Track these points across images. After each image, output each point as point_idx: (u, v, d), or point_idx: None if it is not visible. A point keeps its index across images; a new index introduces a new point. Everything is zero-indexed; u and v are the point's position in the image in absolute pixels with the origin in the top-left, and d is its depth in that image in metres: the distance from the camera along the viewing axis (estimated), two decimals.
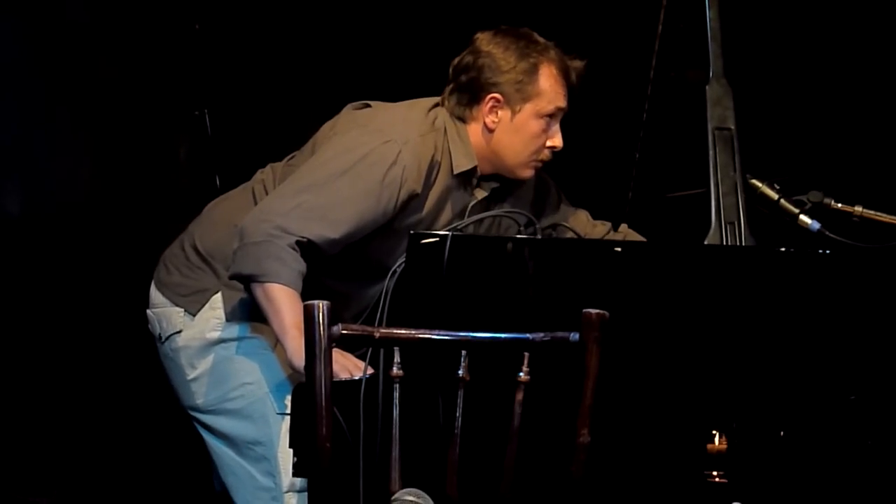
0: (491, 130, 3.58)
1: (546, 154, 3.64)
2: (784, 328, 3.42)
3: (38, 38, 4.68)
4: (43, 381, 4.54)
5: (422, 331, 2.93)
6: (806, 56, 4.22)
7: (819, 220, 3.77)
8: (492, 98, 3.54)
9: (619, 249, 3.46)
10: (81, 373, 4.58)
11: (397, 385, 2.87)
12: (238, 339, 3.64)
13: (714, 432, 3.37)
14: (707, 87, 3.72)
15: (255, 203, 3.60)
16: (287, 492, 3.52)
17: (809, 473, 3.48)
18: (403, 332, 2.92)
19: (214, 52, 4.93)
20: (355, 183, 3.47)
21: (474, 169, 3.62)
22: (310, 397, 2.87)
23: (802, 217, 3.77)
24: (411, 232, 3.31)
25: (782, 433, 3.42)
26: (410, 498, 2.57)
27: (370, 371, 3.09)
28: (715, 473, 3.34)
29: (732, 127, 3.68)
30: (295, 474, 3.32)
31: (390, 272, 3.30)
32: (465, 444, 2.91)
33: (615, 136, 4.23)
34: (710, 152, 3.67)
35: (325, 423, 2.84)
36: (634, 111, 3.90)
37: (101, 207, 4.71)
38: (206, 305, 3.63)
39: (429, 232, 3.35)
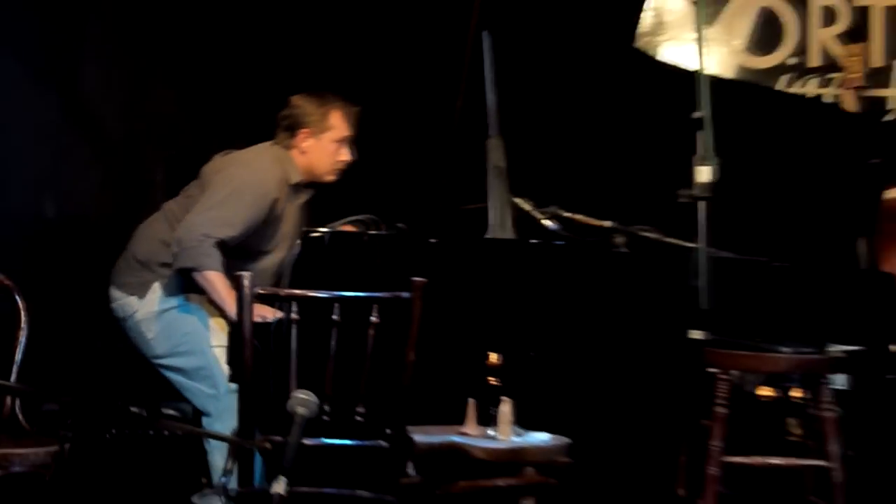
0: (305, 153, 3.89)
1: (341, 165, 3.92)
2: (531, 291, 3.51)
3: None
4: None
5: (310, 291, 3.08)
6: (551, 115, 4.04)
7: (556, 224, 3.81)
8: (303, 132, 3.87)
9: (433, 241, 3.52)
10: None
11: (295, 325, 3.02)
12: (175, 306, 3.84)
13: (493, 353, 3.44)
14: (488, 141, 3.73)
15: (170, 224, 3.85)
16: (225, 394, 3.70)
17: (550, 380, 3.58)
18: (298, 291, 3.09)
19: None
20: (244, 199, 3.75)
21: (299, 183, 3.92)
22: (239, 333, 3.10)
23: (545, 221, 3.81)
24: (303, 229, 3.52)
25: (532, 354, 3.51)
26: (301, 395, 2.44)
27: (278, 315, 3.20)
28: (493, 379, 3.39)
29: (503, 165, 3.72)
30: (230, 381, 3.52)
31: (292, 254, 3.48)
32: (338, 362, 3.01)
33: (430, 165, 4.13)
34: (490, 181, 3.71)
35: (248, 348, 3.06)
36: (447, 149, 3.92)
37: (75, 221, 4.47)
38: (149, 291, 3.84)
39: (315, 229, 3.51)
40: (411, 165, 4.31)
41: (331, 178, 3.95)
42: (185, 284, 3.82)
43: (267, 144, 3.96)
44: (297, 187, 3.92)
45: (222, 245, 3.69)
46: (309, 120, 3.88)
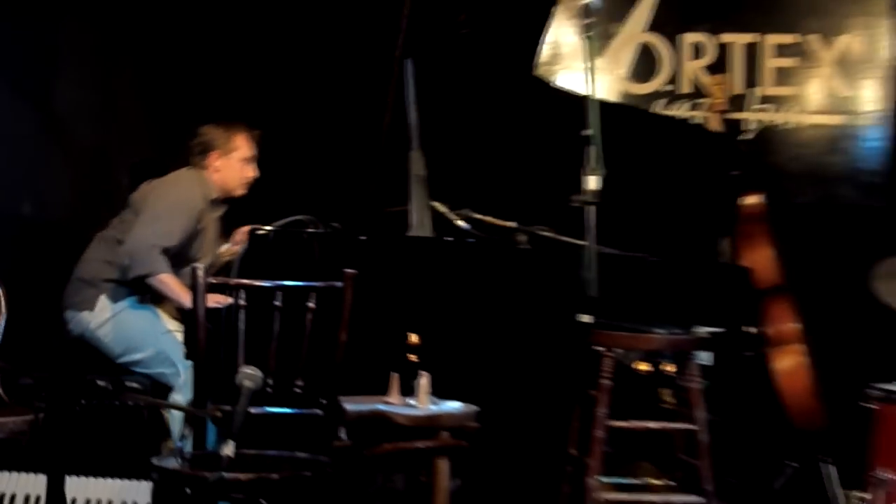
0: (217, 171, 4.01)
1: (248, 180, 4.03)
2: (447, 281, 3.54)
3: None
4: None
5: (256, 280, 3.09)
6: (465, 131, 3.99)
7: (468, 224, 3.84)
8: (213, 154, 3.99)
9: (363, 238, 3.51)
10: None
11: (242, 311, 3.04)
12: (124, 308, 3.89)
13: (412, 334, 3.43)
14: (410, 153, 3.74)
15: (108, 247, 3.91)
16: (184, 370, 3.72)
17: (462, 357, 3.55)
18: (246, 281, 3.10)
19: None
20: (179, 213, 3.86)
21: (216, 199, 4.02)
22: (194, 317, 3.12)
23: (458, 222, 3.84)
24: (251, 227, 3.53)
25: (446, 335, 3.48)
26: (248, 370, 2.48)
27: (228, 301, 3.20)
28: (412, 356, 3.38)
29: (423, 174, 3.73)
30: (186, 358, 3.50)
31: (240, 250, 3.51)
32: (280, 342, 3.03)
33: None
34: (412, 187, 3.72)
35: (202, 330, 3.10)
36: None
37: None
38: (98, 302, 3.88)
39: (261, 226, 3.50)
40: (345, 174, 4.30)
41: (241, 191, 4.06)
42: (130, 290, 3.88)
43: (184, 169, 4.05)
44: (215, 202, 4.01)
45: (166, 252, 3.77)
46: (217, 143, 3.99)
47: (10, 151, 4.23)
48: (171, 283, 3.75)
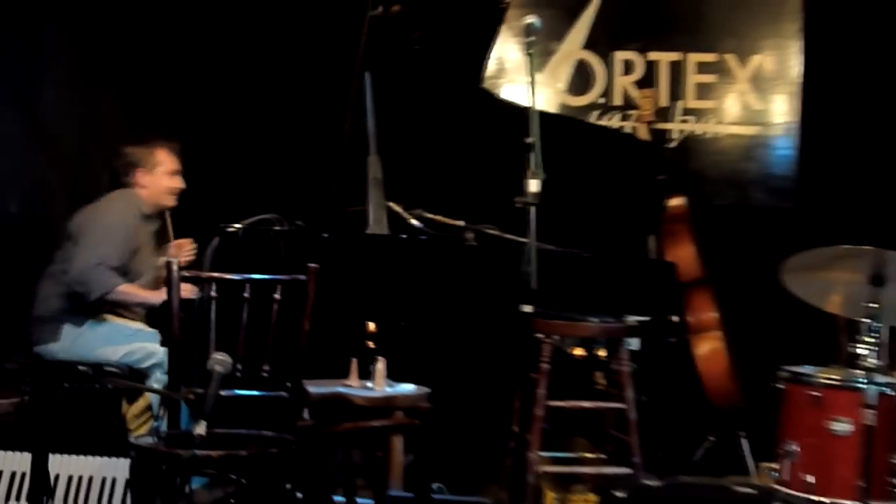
0: (145, 188, 3.84)
1: (175, 190, 3.88)
2: (401, 274, 3.48)
3: None
4: None
5: (226, 273, 3.03)
6: (419, 138, 3.94)
7: (420, 222, 3.77)
8: (138, 171, 3.83)
9: (325, 235, 3.45)
10: None
11: (214, 301, 2.98)
12: (86, 329, 3.71)
13: (370, 322, 3.43)
14: (368, 158, 3.69)
15: (56, 280, 3.72)
16: (162, 356, 3.58)
17: (415, 343, 3.51)
18: (217, 274, 3.04)
19: None
20: (117, 234, 3.71)
21: (150, 213, 3.89)
22: (169, 307, 3.03)
23: (412, 220, 3.79)
24: (220, 225, 3.38)
25: (401, 324, 3.49)
26: (219, 356, 2.48)
27: (196, 291, 3.17)
28: (370, 343, 3.37)
29: (380, 177, 3.69)
30: (161, 346, 3.44)
31: (210, 245, 3.34)
32: (248, 330, 2.97)
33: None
34: (369, 189, 3.68)
35: (176, 320, 3.02)
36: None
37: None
38: (60, 332, 3.71)
39: (230, 224, 3.38)
40: (308, 176, 4.24)
41: (171, 203, 3.90)
42: (87, 314, 3.71)
43: (115, 191, 3.88)
44: (149, 217, 3.88)
45: (112, 268, 3.65)
46: (140, 161, 3.83)
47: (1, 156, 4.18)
48: (132, 290, 3.65)
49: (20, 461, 3.10)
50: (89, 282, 3.60)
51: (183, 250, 3.85)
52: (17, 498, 2.71)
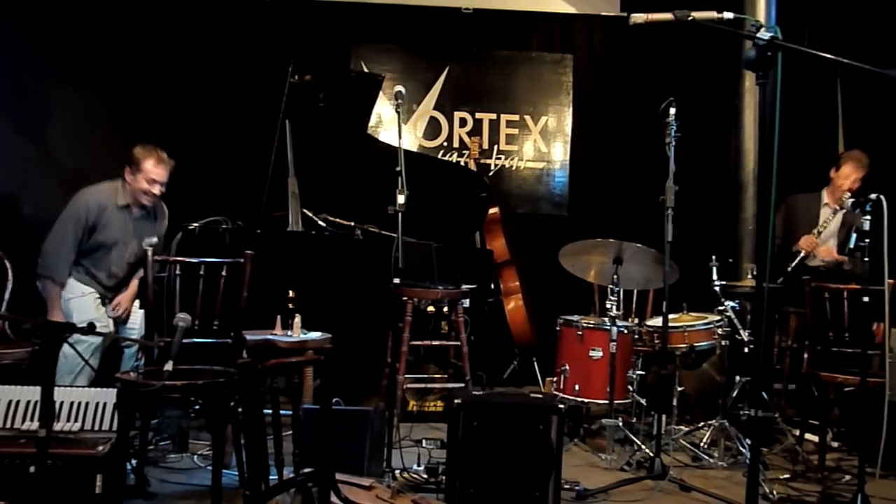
0: (129, 184, 3.19)
1: (151, 194, 3.19)
2: (311, 258, 3.41)
3: None
4: None
5: (187, 258, 2.94)
6: (323, 165, 3.82)
7: (324, 223, 3.71)
8: (127, 170, 3.18)
9: (258, 232, 3.34)
10: None
11: (178, 277, 2.89)
12: (75, 297, 3.20)
13: (291, 290, 3.33)
14: (289, 178, 3.60)
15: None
16: (141, 321, 3.32)
17: (322, 304, 3.40)
18: (180, 258, 2.95)
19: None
20: (68, 221, 3.12)
21: (128, 204, 3.23)
22: (144, 283, 2.90)
23: (319, 222, 3.71)
24: (182, 223, 3.19)
25: (312, 291, 3.37)
26: (182, 315, 2.34)
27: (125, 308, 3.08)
28: (290, 305, 3.22)
29: (297, 191, 3.61)
30: (139, 308, 3.26)
31: (175, 238, 3.16)
32: (203, 297, 2.87)
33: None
34: (289, 199, 3.60)
35: (150, 290, 2.91)
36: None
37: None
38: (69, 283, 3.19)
39: (190, 223, 3.25)
40: (247, 190, 4.00)
41: (146, 201, 3.21)
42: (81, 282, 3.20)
43: (106, 181, 3.25)
44: (127, 206, 3.22)
45: (71, 256, 3.11)
46: (133, 161, 3.18)
47: (17, 174, 3.92)
48: (53, 296, 3.10)
49: (33, 393, 2.85)
50: (44, 261, 3.11)
51: (119, 309, 3.29)
52: (32, 419, 2.52)
